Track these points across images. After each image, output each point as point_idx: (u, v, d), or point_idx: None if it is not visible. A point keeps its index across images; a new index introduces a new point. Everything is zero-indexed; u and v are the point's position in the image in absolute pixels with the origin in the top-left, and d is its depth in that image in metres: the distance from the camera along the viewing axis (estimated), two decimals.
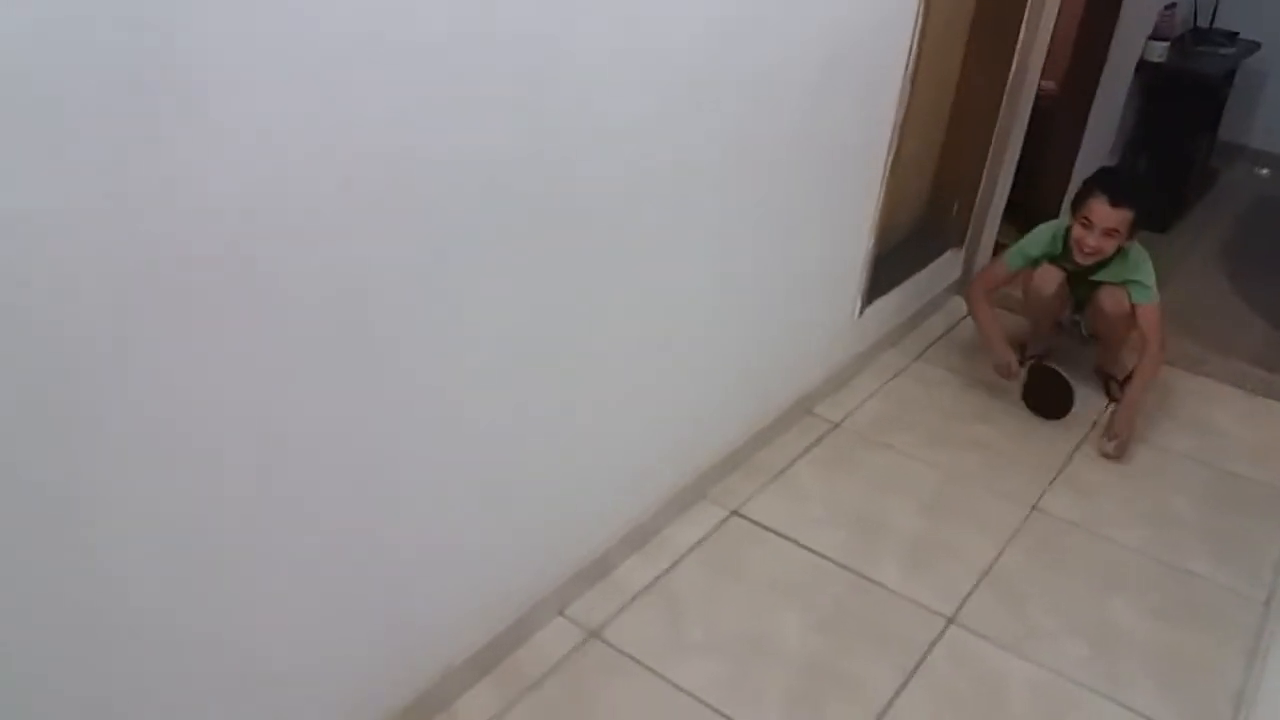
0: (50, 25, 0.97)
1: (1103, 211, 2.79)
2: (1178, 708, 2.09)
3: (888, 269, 3.13)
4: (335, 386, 1.45)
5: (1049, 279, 3.01)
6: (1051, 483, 2.75)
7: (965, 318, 3.54)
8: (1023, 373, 3.06)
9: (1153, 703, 2.09)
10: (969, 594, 2.34)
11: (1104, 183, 2.83)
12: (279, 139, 1.22)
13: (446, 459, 1.72)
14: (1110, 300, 2.94)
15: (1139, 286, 2.91)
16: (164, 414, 1.24)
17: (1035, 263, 3.05)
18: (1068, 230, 2.92)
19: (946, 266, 3.55)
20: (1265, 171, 5.34)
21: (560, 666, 2.05)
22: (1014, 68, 3.30)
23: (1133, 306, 2.92)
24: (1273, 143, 5.36)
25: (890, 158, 2.73)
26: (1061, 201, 4.06)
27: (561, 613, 2.17)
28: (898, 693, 2.07)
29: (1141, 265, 2.93)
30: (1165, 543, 2.56)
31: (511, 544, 1.98)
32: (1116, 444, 2.85)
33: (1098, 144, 4.27)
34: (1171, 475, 2.83)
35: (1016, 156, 3.61)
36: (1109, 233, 2.80)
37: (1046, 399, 3.03)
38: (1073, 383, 2.99)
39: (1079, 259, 2.89)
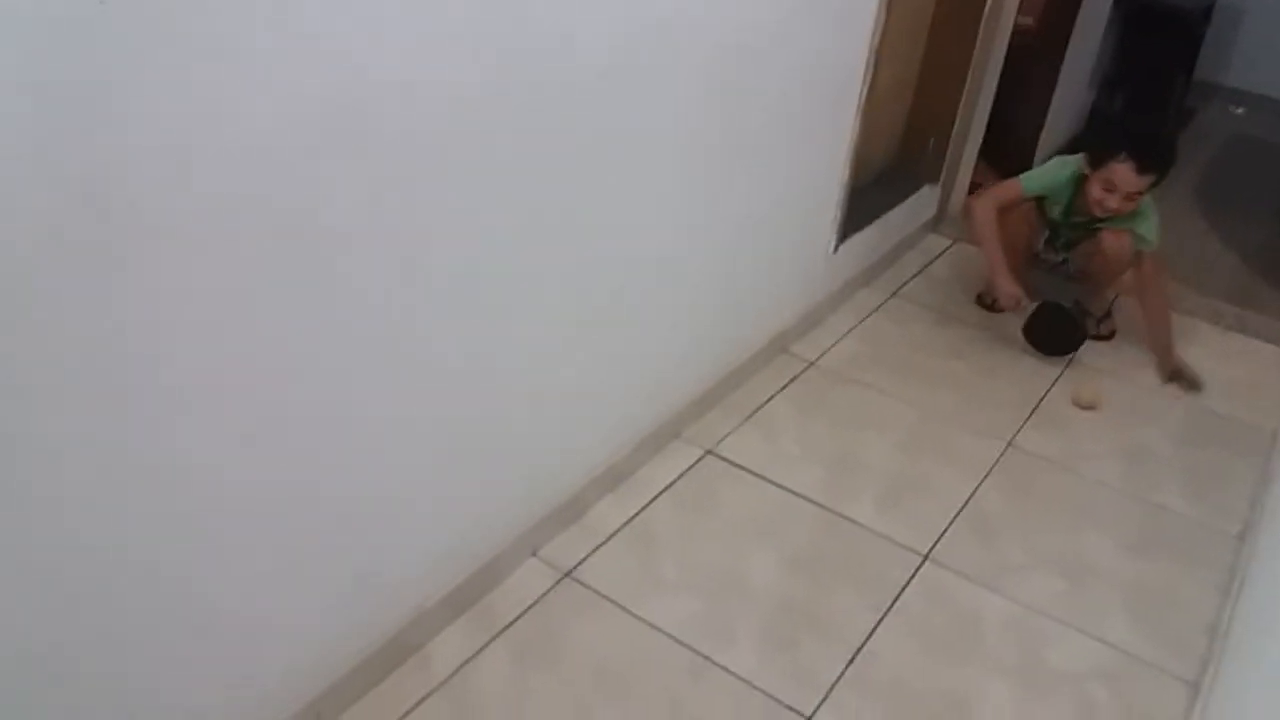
0: None
1: (1129, 178, 2.72)
2: (1152, 640, 2.09)
3: (862, 205, 3.07)
4: (287, 320, 1.38)
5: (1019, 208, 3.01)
6: (1027, 419, 2.74)
7: (941, 255, 3.52)
8: (1029, 307, 3.00)
9: (1127, 636, 2.10)
10: (944, 531, 2.32)
11: (1131, 146, 2.73)
12: (225, 54, 1.14)
13: (407, 397, 1.66)
14: (1114, 242, 2.89)
15: (1143, 238, 2.88)
16: (106, 354, 1.18)
17: (1043, 197, 2.99)
18: (1082, 177, 2.86)
19: (922, 203, 3.50)
20: (1241, 110, 5.32)
21: (535, 607, 2.02)
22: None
23: (1137, 252, 2.89)
24: (1249, 81, 5.32)
25: (865, 87, 2.67)
26: (1038, 138, 4.03)
27: (535, 554, 2.13)
28: (873, 629, 2.06)
29: (1150, 215, 2.89)
30: (1140, 478, 2.56)
31: (481, 485, 1.94)
32: (1183, 383, 2.90)
33: (1075, 81, 4.22)
34: (1147, 411, 2.83)
35: (993, 92, 3.55)
36: (1131, 196, 2.76)
37: (1054, 337, 3.01)
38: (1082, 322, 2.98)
39: (1096, 212, 2.85)
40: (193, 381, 1.30)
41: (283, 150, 1.26)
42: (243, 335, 1.33)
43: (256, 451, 1.44)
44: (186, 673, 1.48)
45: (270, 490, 1.49)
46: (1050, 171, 2.98)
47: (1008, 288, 2.94)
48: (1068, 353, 3.00)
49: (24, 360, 1.10)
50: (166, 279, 1.20)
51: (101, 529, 1.27)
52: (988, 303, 3.21)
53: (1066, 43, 3.92)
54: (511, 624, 1.98)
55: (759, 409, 2.67)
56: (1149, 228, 2.89)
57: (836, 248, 2.97)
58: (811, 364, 2.87)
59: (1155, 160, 2.74)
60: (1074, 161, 2.92)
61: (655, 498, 2.33)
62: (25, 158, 1.01)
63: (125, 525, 1.30)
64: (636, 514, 2.28)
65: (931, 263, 3.48)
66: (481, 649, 1.93)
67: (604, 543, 2.19)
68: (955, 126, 3.45)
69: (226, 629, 1.52)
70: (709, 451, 2.49)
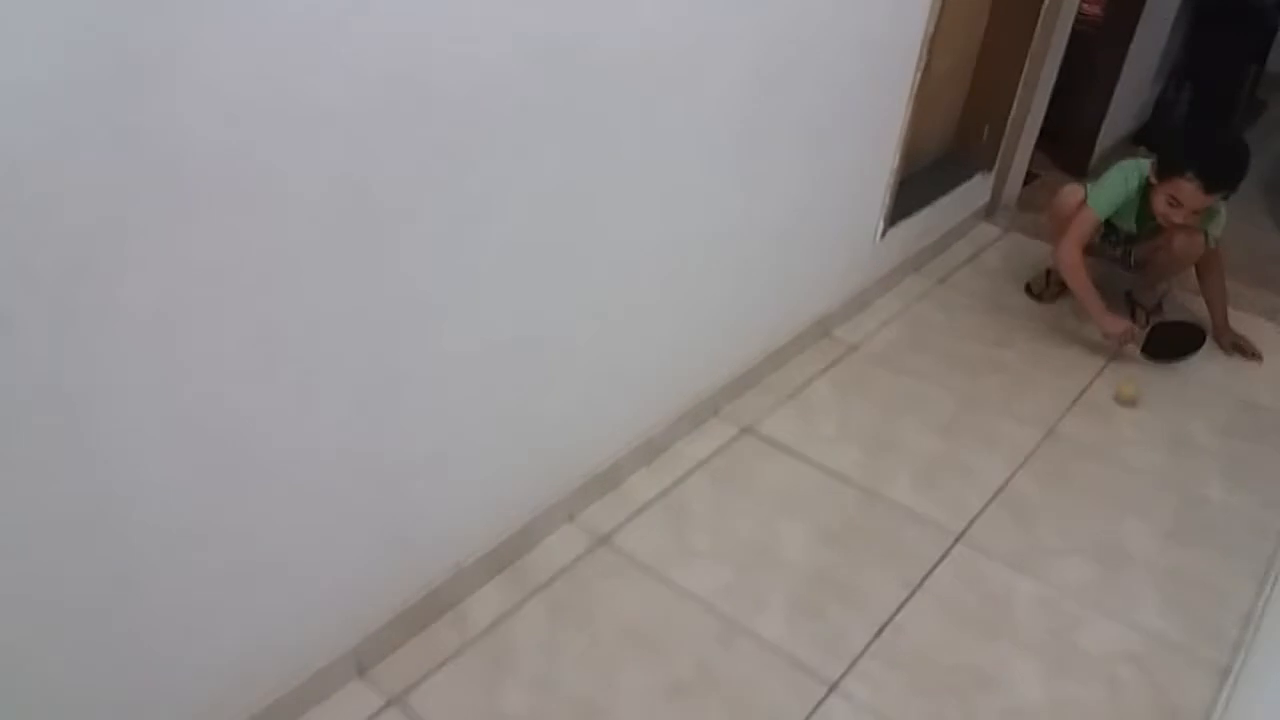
0: None
1: (1195, 196, 2.68)
2: (1185, 628, 2.09)
3: (913, 191, 3.09)
4: (336, 283, 1.45)
5: (1074, 196, 2.98)
6: (1070, 408, 2.73)
7: (992, 244, 3.51)
8: (1140, 331, 2.93)
9: (1159, 622, 2.10)
10: (979, 513, 2.34)
11: (1199, 166, 2.67)
12: (283, 23, 1.21)
13: (451, 364, 1.73)
14: (1185, 240, 2.87)
15: (1212, 235, 2.87)
16: (163, 308, 1.24)
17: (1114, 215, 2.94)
18: (1148, 185, 2.83)
19: (974, 191, 3.49)
20: None
21: (569, 569, 2.09)
22: None
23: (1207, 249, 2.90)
24: None
25: (919, 73, 2.68)
26: (1099, 130, 3.99)
27: (571, 519, 2.20)
28: (902, 604, 2.08)
29: (1220, 215, 2.86)
30: (1182, 468, 2.54)
31: (520, 450, 2.00)
32: (1251, 356, 3.00)
33: (1140, 72, 4.16)
34: (1193, 403, 2.80)
35: (1052, 81, 3.53)
36: (1197, 212, 2.74)
37: (1180, 347, 2.96)
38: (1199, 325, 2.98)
39: (1162, 223, 2.83)
40: (245, 344, 1.37)
41: (343, 117, 1.33)
42: (297, 297, 1.40)
43: (304, 410, 1.51)
44: (223, 619, 1.56)
45: (315, 448, 1.56)
46: (1116, 187, 2.88)
47: (1114, 327, 2.88)
48: (1194, 352, 2.96)
49: (91, 323, 1.18)
50: (225, 242, 1.27)
51: (151, 485, 1.35)
52: (1036, 292, 3.20)
53: (1132, 32, 3.87)
54: (546, 584, 2.05)
55: (798, 390, 2.70)
56: (1219, 225, 2.87)
57: (884, 233, 2.98)
58: (854, 348, 2.90)
59: (1223, 179, 2.68)
60: (1137, 169, 2.86)
61: (691, 471, 2.38)
62: (94, 119, 1.08)
63: (173, 476, 1.37)
64: (672, 486, 2.33)
65: (982, 251, 3.47)
66: (517, 607, 2.00)
67: (639, 512, 2.25)
68: (1012, 114, 3.43)
69: (264, 576, 1.60)
70: (746, 429, 2.53)
